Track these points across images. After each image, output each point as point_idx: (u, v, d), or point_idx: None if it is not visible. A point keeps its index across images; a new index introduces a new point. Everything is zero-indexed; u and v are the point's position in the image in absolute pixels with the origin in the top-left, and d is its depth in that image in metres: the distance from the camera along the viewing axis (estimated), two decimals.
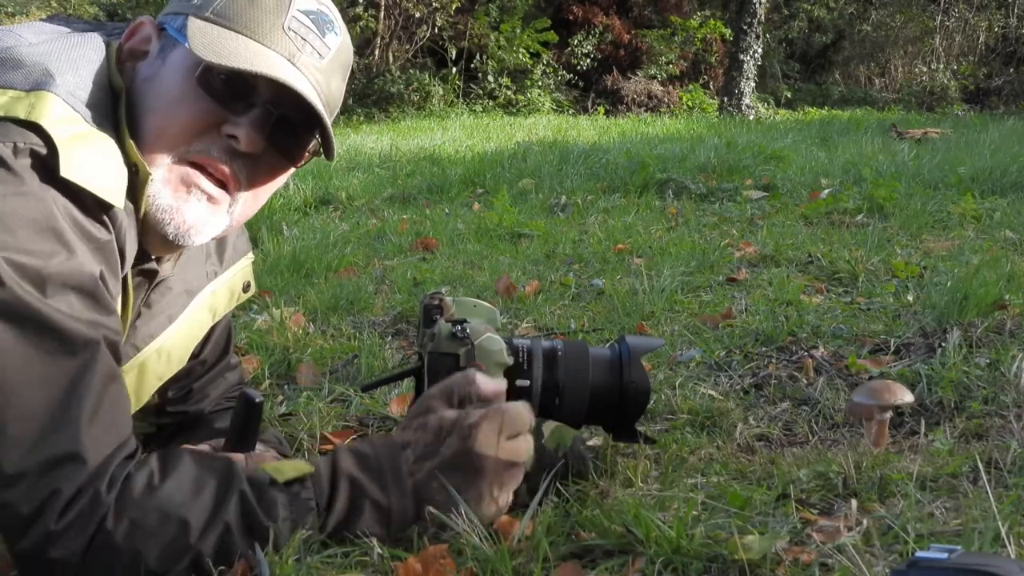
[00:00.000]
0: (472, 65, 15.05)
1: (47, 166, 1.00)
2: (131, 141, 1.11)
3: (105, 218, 1.06)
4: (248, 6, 1.16)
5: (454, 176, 5.88)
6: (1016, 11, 18.58)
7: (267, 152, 1.20)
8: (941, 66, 18.59)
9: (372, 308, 2.71)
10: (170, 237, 1.16)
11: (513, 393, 1.40)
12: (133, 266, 1.19)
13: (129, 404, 1.09)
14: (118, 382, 1.05)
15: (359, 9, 14.20)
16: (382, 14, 14.61)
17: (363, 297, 2.77)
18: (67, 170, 1.00)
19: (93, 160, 1.04)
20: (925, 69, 18.85)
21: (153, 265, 1.25)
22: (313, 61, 1.19)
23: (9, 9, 15.94)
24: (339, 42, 1.23)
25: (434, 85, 14.58)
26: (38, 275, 0.97)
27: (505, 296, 2.73)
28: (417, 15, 14.71)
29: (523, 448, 1.23)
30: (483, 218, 4.23)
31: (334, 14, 1.25)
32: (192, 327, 1.39)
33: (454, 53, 14.84)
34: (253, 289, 1.54)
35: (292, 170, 1.28)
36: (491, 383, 1.26)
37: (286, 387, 2.02)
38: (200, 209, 1.17)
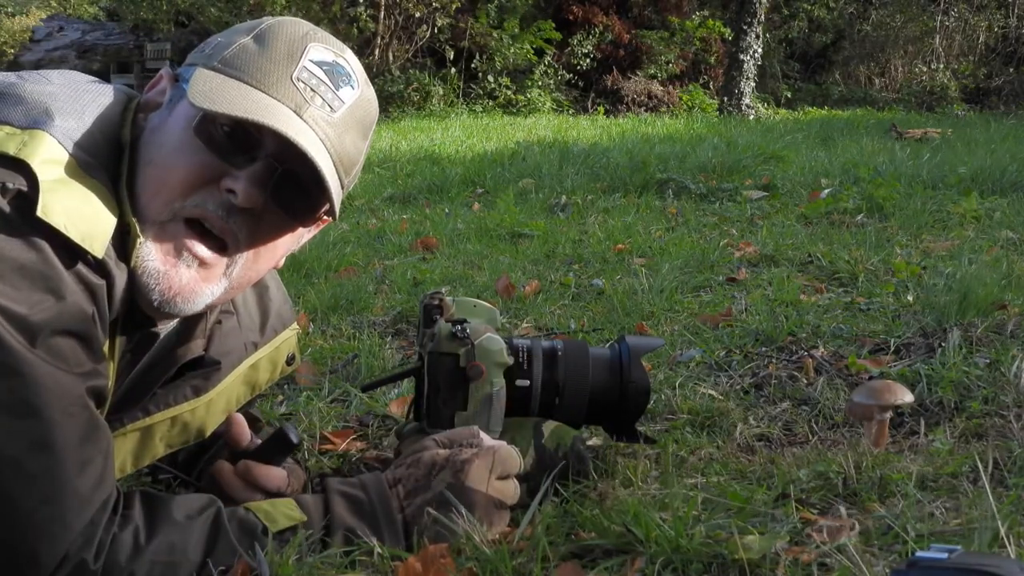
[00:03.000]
0: (472, 65, 15.05)
1: (27, 205, 0.96)
2: (126, 201, 1.06)
3: (93, 264, 1.01)
4: (258, 55, 1.10)
5: (454, 176, 5.88)
6: (1016, 11, 18.57)
7: (270, 209, 1.12)
8: (941, 66, 18.59)
9: (372, 308, 2.71)
10: (155, 304, 1.09)
11: (513, 393, 1.40)
12: (135, 327, 1.15)
13: (110, 447, 1.04)
14: (99, 431, 1.01)
15: (359, 9, 14.20)
16: (382, 14, 14.61)
17: (363, 297, 2.77)
18: (44, 211, 0.95)
19: (75, 206, 0.99)
20: (925, 69, 18.84)
21: (157, 329, 1.20)
22: (323, 114, 1.11)
23: (9, 9, 15.95)
24: (356, 96, 1.16)
25: (434, 85, 14.57)
26: (26, 324, 0.93)
27: (505, 296, 2.73)
28: (417, 15, 14.70)
29: (511, 490, 1.25)
30: (483, 218, 4.23)
31: (353, 67, 1.17)
32: (224, 402, 1.32)
33: (453, 53, 14.84)
34: (298, 362, 1.46)
35: (303, 231, 1.21)
36: (492, 440, 1.28)
37: (286, 387, 2.02)
38: (190, 275, 1.10)
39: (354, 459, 1.60)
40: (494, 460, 1.22)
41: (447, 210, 4.81)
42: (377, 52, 14.80)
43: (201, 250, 1.10)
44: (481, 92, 14.98)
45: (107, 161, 1.07)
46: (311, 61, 1.12)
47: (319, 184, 1.10)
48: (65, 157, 1.01)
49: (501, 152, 7.39)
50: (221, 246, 1.11)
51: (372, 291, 2.90)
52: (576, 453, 1.38)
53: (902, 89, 18.43)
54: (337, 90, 1.13)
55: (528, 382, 1.41)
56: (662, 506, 1.26)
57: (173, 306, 1.10)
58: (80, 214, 0.99)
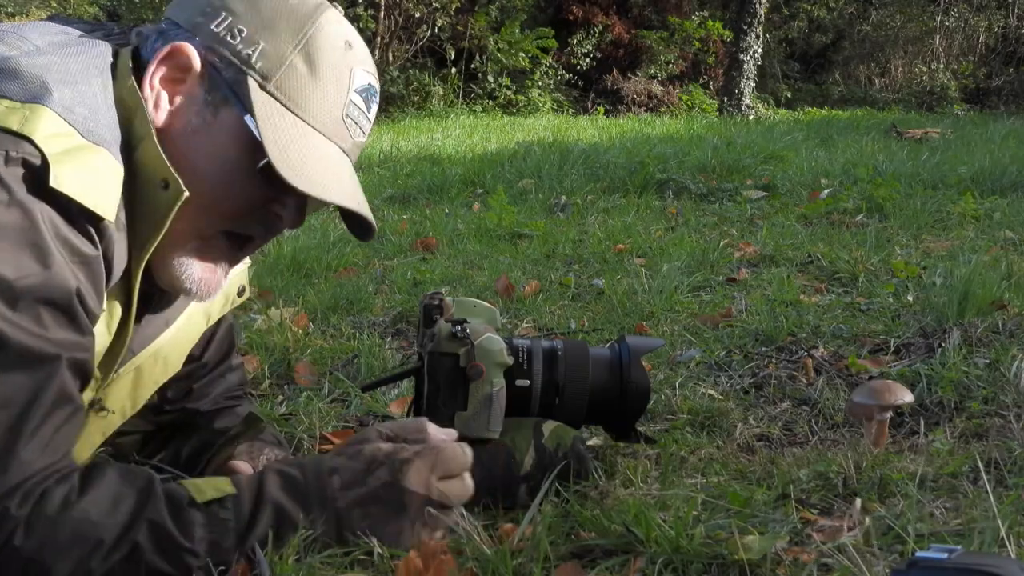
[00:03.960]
0: (472, 65, 15.05)
1: (37, 177, 0.98)
2: (161, 156, 1.07)
3: (93, 232, 1.04)
4: (311, 84, 1.13)
5: (454, 176, 5.88)
6: (1016, 11, 18.57)
7: None
8: (941, 66, 18.59)
9: (372, 308, 2.71)
10: (189, 295, 1.19)
11: (513, 393, 1.40)
12: (143, 285, 1.18)
13: (78, 429, 1.06)
14: (71, 405, 1.02)
15: (359, 9, 14.20)
16: (382, 14, 14.61)
17: (363, 297, 2.77)
18: (57, 181, 0.98)
19: (84, 173, 1.02)
20: (925, 69, 18.85)
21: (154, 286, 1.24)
22: (360, 140, 1.20)
23: (9, 9, 15.94)
24: (376, 107, 1.23)
25: (434, 85, 14.58)
26: (10, 288, 0.95)
27: (505, 296, 2.73)
28: (417, 15, 14.70)
29: (456, 490, 1.19)
30: (483, 218, 4.23)
31: (377, 80, 1.23)
32: (188, 331, 1.38)
33: (453, 54, 14.84)
34: (247, 294, 1.53)
35: None
36: (441, 434, 1.25)
37: (286, 387, 2.02)
38: (221, 278, 1.20)
39: None
40: (436, 460, 1.17)
41: (447, 210, 4.81)
42: (377, 52, 14.80)
43: (234, 264, 1.21)
44: (481, 92, 14.99)
45: (108, 124, 1.08)
46: (355, 92, 1.17)
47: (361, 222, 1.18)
48: (67, 129, 1.03)
49: (501, 152, 7.39)
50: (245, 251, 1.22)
51: (372, 291, 2.90)
52: (576, 453, 1.38)
53: (902, 89, 18.44)
54: (369, 112, 1.20)
55: (528, 382, 1.41)
56: (662, 506, 1.26)
57: (203, 297, 1.19)
58: (88, 180, 1.02)
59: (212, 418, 1.48)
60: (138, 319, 1.25)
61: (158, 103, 1.12)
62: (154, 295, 1.25)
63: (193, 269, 1.15)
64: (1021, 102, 16.51)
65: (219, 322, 1.49)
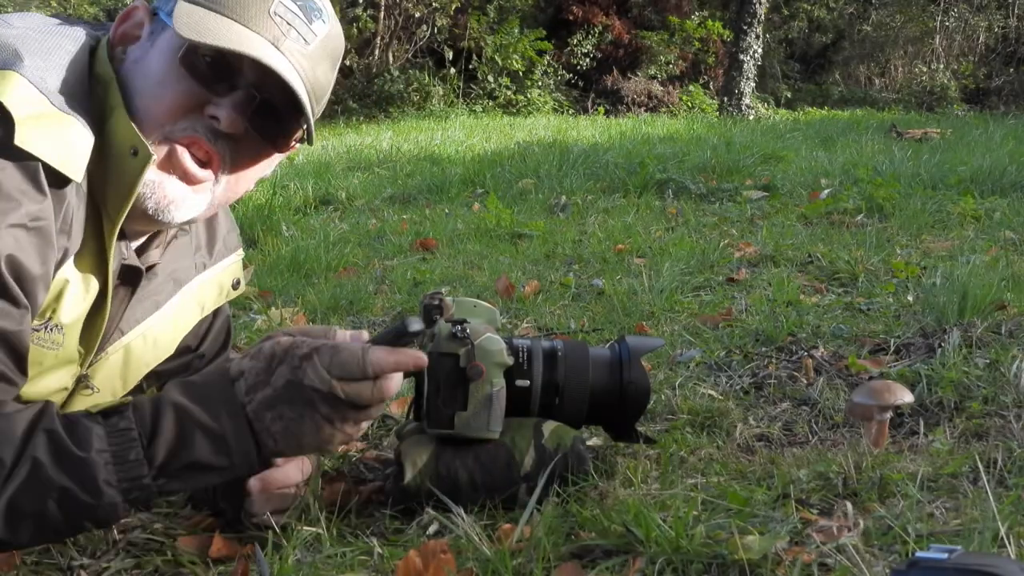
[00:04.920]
0: (471, 65, 15.05)
1: (2, 136, 1.01)
2: (131, 125, 1.12)
3: (49, 195, 1.05)
4: None
5: (454, 176, 5.88)
6: (1016, 11, 18.58)
7: (249, 136, 1.20)
8: (941, 66, 18.59)
9: (372, 308, 2.71)
10: (150, 212, 1.17)
11: (513, 393, 1.40)
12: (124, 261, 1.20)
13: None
14: None
15: (359, 9, 14.20)
16: (382, 14, 14.61)
17: (363, 297, 2.77)
18: (22, 140, 1.01)
19: (51, 136, 1.05)
20: (925, 69, 18.85)
21: (134, 263, 1.26)
22: (299, 47, 1.19)
23: (9, 9, 15.96)
24: (327, 30, 1.23)
25: (434, 85, 14.59)
26: None
27: (505, 296, 2.73)
28: (417, 15, 14.71)
29: (362, 393, 1.11)
30: (483, 218, 4.23)
31: (323, 2, 1.25)
32: (179, 318, 1.39)
33: (451, 54, 14.84)
34: (243, 287, 1.54)
35: (277, 156, 1.29)
36: (348, 337, 1.17)
37: None
38: (181, 186, 1.18)
39: (354, 459, 1.59)
40: (331, 362, 1.09)
41: (447, 210, 4.81)
42: (377, 52, 14.81)
43: (191, 164, 1.18)
44: (481, 92, 14.99)
45: (80, 96, 1.12)
46: None
47: (296, 110, 1.18)
48: (37, 96, 1.06)
49: (501, 152, 7.39)
50: (206, 167, 1.20)
51: (372, 291, 2.90)
52: (576, 453, 1.38)
53: (902, 89, 18.45)
54: (310, 24, 1.20)
55: (528, 382, 1.41)
56: (662, 506, 1.26)
57: (166, 213, 1.18)
58: (56, 141, 1.05)
59: None
60: (127, 298, 1.27)
61: (122, 61, 1.19)
62: (138, 274, 1.27)
63: (147, 172, 1.14)
64: (1021, 102, 16.51)
65: (215, 314, 1.50)
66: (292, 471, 1.31)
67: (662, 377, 1.94)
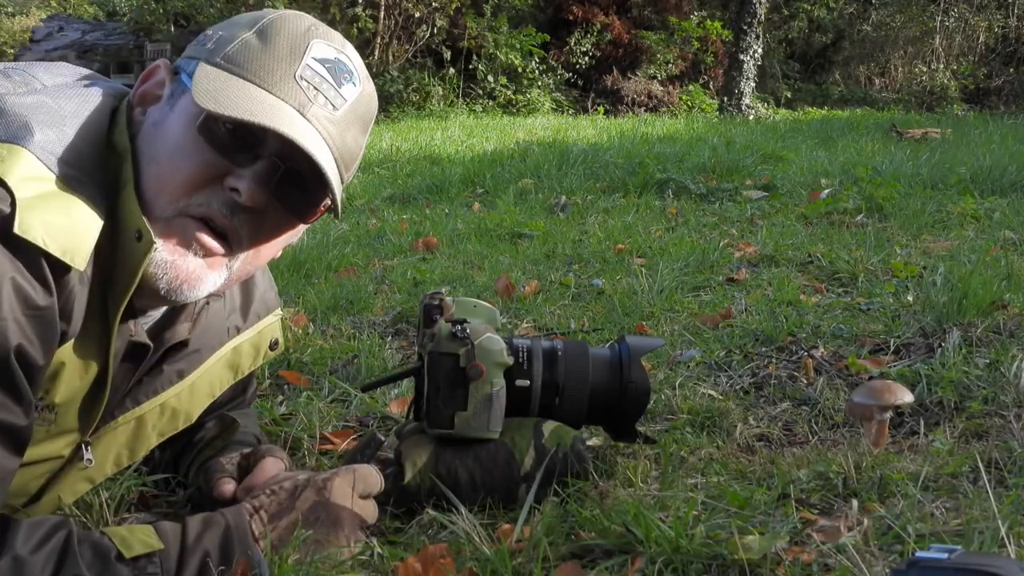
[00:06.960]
0: (471, 65, 15.05)
1: (2, 223, 0.95)
2: (136, 206, 1.06)
3: (52, 283, 1.00)
4: (260, 52, 1.10)
5: (454, 176, 5.88)
6: (1016, 11, 18.57)
7: (272, 207, 1.13)
8: (941, 66, 18.59)
9: (372, 308, 2.71)
10: (162, 292, 1.10)
11: (513, 393, 1.40)
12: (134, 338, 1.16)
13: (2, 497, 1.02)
14: None
15: (359, 9, 14.20)
16: (382, 14, 14.61)
17: (363, 297, 2.77)
18: (22, 228, 0.95)
19: (56, 221, 0.99)
20: (925, 69, 18.85)
21: (143, 340, 1.20)
22: (326, 113, 1.11)
23: (9, 9, 15.95)
24: (358, 92, 1.16)
25: (434, 85, 14.58)
26: None
27: (505, 296, 2.73)
28: (417, 15, 14.70)
29: (371, 510, 1.25)
30: (483, 218, 4.23)
31: (355, 63, 1.17)
32: (207, 385, 1.33)
33: (450, 54, 14.84)
34: (281, 347, 1.47)
35: (302, 226, 1.22)
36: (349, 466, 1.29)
37: (286, 387, 2.02)
38: (196, 264, 1.11)
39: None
40: (355, 478, 1.24)
41: (447, 210, 4.81)
42: (377, 52, 14.80)
43: (208, 241, 1.11)
44: (481, 92, 14.99)
45: (92, 170, 1.06)
46: (314, 59, 1.12)
47: (321, 182, 1.10)
48: (44, 172, 1.00)
49: (501, 152, 7.39)
50: (225, 241, 1.13)
51: (372, 291, 2.90)
52: (576, 453, 1.38)
53: (902, 89, 18.44)
54: (339, 87, 1.13)
55: (528, 382, 1.41)
56: (662, 506, 1.26)
57: (179, 293, 1.11)
58: (60, 228, 0.99)
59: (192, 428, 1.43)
60: (131, 373, 1.22)
61: (142, 123, 1.13)
62: (146, 349, 1.21)
63: (160, 252, 1.08)
64: (1021, 102, 16.51)
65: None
66: (270, 466, 1.34)
67: (662, 377, 1.94)
